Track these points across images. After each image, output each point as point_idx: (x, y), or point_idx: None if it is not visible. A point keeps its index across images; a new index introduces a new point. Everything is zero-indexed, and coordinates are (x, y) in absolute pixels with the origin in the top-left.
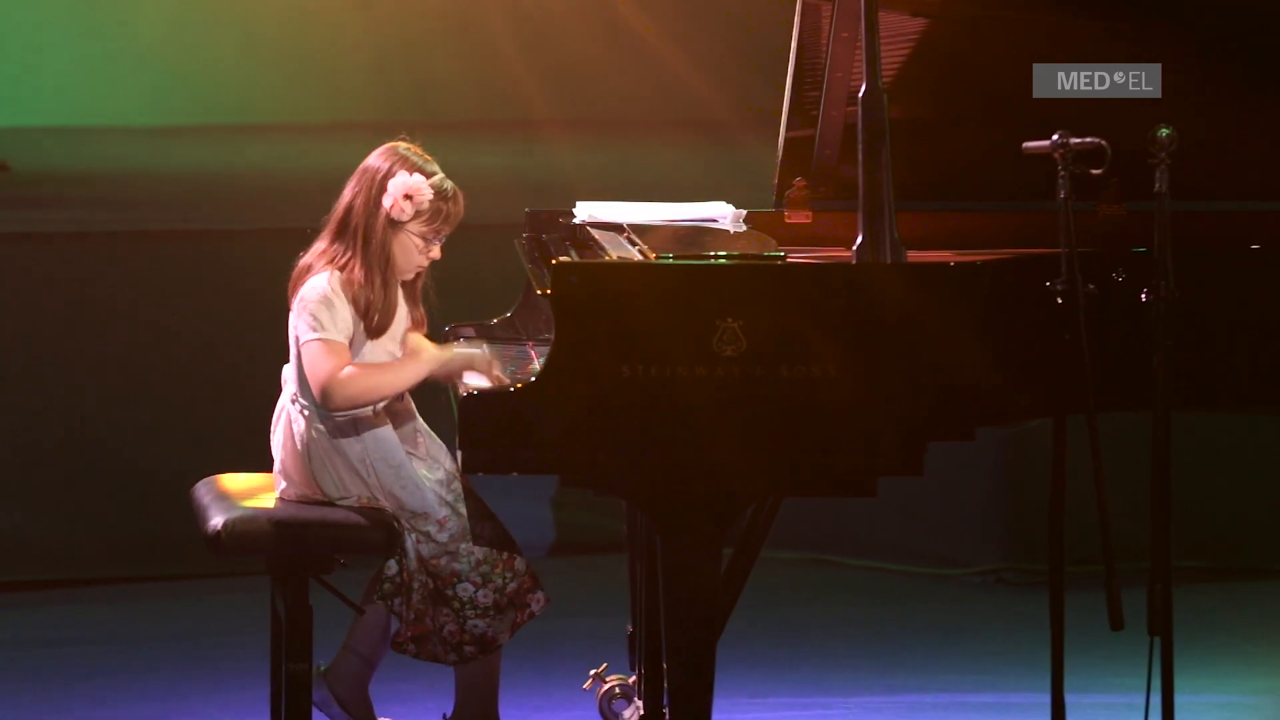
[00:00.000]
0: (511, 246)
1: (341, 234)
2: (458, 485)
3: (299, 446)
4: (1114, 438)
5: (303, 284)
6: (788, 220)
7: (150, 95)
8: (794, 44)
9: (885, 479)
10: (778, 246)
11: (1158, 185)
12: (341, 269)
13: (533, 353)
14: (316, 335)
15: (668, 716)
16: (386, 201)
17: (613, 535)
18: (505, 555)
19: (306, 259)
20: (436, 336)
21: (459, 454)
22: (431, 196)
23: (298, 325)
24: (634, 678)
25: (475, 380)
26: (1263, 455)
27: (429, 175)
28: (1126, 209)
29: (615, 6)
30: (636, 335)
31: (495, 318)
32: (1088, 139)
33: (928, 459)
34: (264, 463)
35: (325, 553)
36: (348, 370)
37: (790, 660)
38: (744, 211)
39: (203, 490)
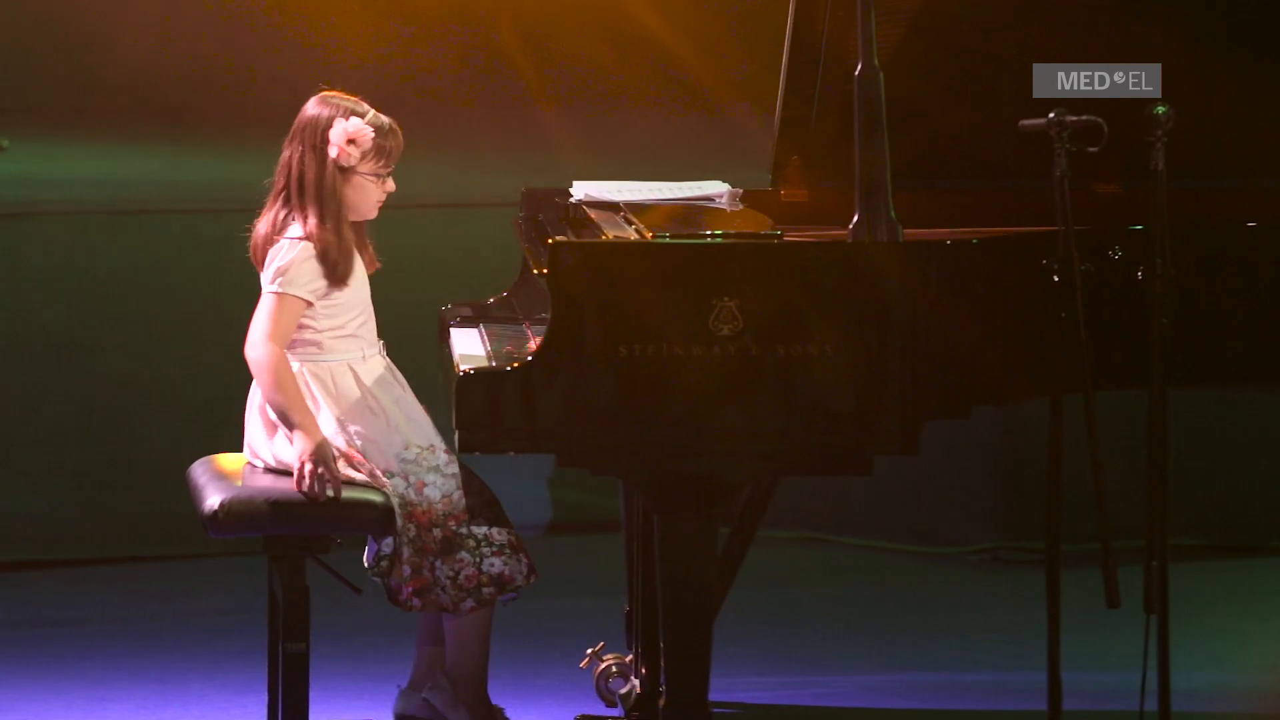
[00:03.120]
0: (508, 225)
1: (296, 193)
2: None
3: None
4: (1110, 416)
5: (270, 247)
6: (784, 199)
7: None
8: (790, 22)
9: (881, 458)
10: (774, 225)
11: (1154, 163)
12: (303, 225)
13: (529, 332)
14: (276, 289)
15: (665, 695)
16: (332, 152)
17: (610, 514)
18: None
19: (264, 226)
20: (431, 317)
21: (455, 434)
22: (373, 136)
23: (264, 278)
24: (631, 656)
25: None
26: (1260, 433)
27: (362, 115)
28: (1123, 187)
29: None
30: (633, 314)
31: (491, 297)
32: (1084, 116)
33: (924, 438)
34: None
35: (322, 533)
36: (283, 356)
37: (787, 639)
38: (740, 190)
39: (199, 470)
